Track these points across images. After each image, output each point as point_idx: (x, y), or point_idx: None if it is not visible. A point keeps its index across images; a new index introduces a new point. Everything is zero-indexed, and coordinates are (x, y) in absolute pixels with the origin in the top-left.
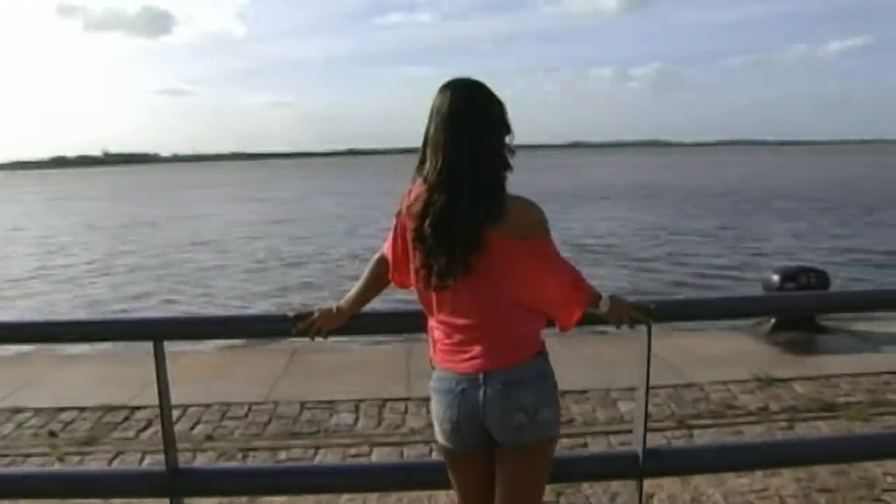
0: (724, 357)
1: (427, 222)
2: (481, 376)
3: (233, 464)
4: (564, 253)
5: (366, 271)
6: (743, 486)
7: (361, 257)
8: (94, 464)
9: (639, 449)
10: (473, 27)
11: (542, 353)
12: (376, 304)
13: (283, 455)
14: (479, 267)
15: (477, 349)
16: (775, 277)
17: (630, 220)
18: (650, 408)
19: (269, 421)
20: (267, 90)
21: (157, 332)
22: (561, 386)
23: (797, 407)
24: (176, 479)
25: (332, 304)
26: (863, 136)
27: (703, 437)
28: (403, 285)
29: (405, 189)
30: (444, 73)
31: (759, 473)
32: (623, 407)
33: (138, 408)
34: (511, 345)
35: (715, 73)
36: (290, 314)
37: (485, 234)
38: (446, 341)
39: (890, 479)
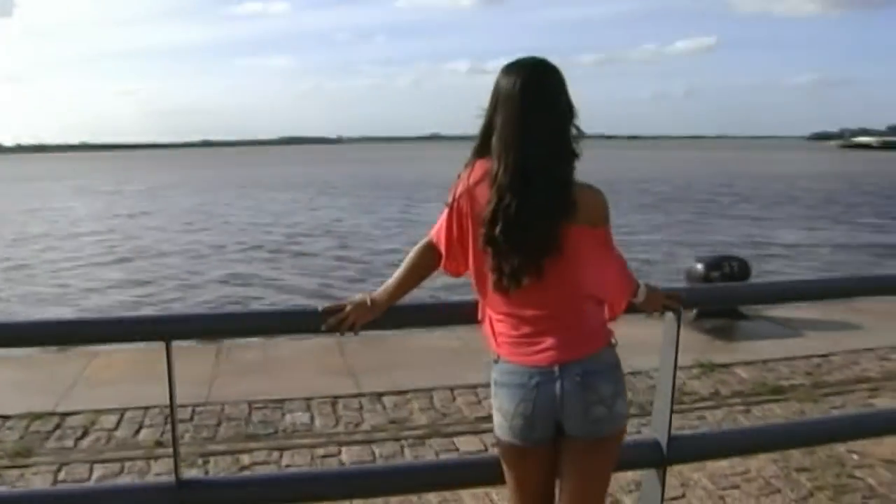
0: (658, 345)
1: (498, 228)
2: (557, 368)
3: (245, 474)
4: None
5: (408, 260)
6: (725, 469)
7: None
8: (39, 479)
9: (661, 436)
10: (330, 18)
11: (612, 343)
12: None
13: (245, 459)
14: (550, 258)
15: (550, 341)
16: (699, 266)
17: None
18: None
19: (219, 423)
20: (117, 79)
21: (168, 330)
22: None
23: (746, 391)
24: (187, 492)
25: (366, 296)
26: (707, 133)
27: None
28: (457, 274)
29: (462, 174)
30: (301, 63)
31: (736, 457)
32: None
33: (68, 414)
34: (585, 335)
35: (568, 69)
36: (319, 308)
37: (559, 230)
38: (513, 333)
39: (856, 456)
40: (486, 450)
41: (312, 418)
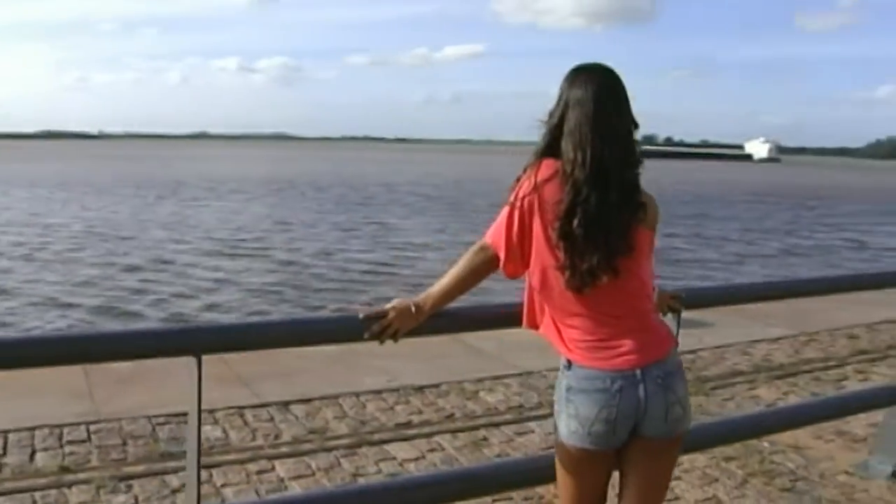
0: (536, 345)
1: (576, 221)
2: (638, 372)
3: (264, 497)
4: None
5: (460, 264)
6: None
7: None
8: None
9: None
10: (96, 7)
11: (677, 343)
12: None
13: (174, 481)
14: (624, 257)
15: (629, 343)
16: None
17: (265, 214)
18: (519, 398)
19: (125, 442)
20: None
21: (198, 343)
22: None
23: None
24: None
25: (408, 302)
26: (473, 137)
27: None
28: (515, 275)
29: (526, 173)
30: (59, 51)
31: (539, 434)
32: None
33: None
34: (659, 336)
35: (338, 69)
36: (361, 315)
37: (632, 229)
38: (588, 338)
39: (767, 444)
40: (423, 457)
41: (225, 432)
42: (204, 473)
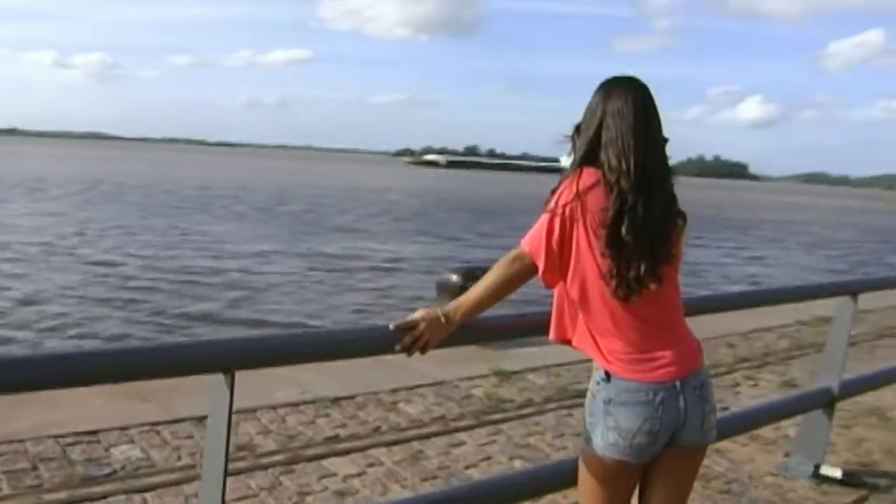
0: (440, 355)
1: (625, 229)
2: (678, 384)
3: None
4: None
5: (495, 274)
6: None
7: None
8: None
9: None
10: None
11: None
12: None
13: None
14: (667, 265)
15: (668, 355)
16: (455, 278)
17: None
18: (440, 408)
19: (35, 466)
20: None
21: (232, 358)
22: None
23: (553, 396)
24: None
25: (437, 312)
26: (298, 143)
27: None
28: (553, 285)
29: (566, 181)
30: None
31: (472, 445)
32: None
33: None
34: (693, 347)
35: (160, 69)
36: (392, 325)
37: (675, 237)
38: (629, 349)
39: None
40: (365, 473)
41: (144, 451)
42: (136, 498)
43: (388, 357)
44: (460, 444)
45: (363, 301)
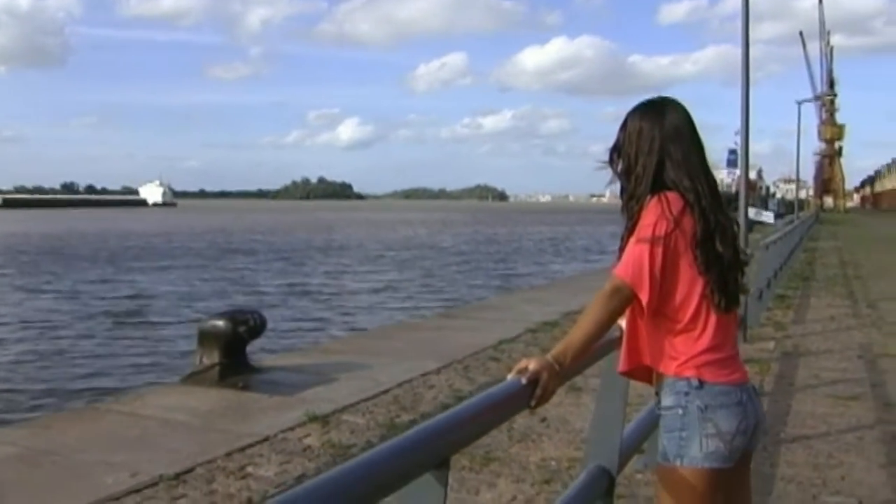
0: (232, 407)
1: (719, 246)
2: (751, 385)
3: None
4: None
5: (597, 310)
6: None
7: None
8: None
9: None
10: None
11: None
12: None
13: None
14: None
15: (738, 360)
16: (221, 323)
17: None
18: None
19: None
20: None
21: (448, 446)
22: None
23: (388, 435)
24: None
25: (548, 359)
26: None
27: None
28: (658, 310)
29: (657, 209)
30: None
31: None
32: None
33: None
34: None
35: None
36: (524, 380)
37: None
38: (719, 356)
39: (553, 463)
40: None
41: None
42: None
43: (175, 418)
44: None
45: None
